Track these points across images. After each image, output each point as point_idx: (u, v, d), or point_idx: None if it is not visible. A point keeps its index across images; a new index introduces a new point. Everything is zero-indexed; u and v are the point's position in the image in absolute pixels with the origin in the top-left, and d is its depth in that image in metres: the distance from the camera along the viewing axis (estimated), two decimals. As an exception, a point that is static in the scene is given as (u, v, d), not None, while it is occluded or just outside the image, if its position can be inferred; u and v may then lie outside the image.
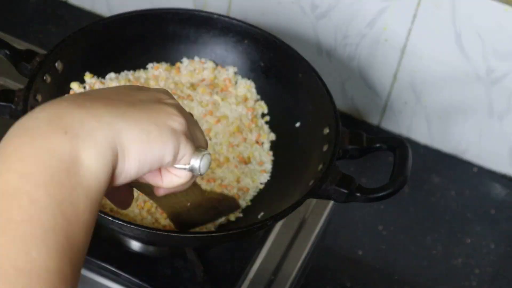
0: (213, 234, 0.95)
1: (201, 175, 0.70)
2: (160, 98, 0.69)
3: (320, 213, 1.13)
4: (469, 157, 1.41)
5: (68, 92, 1.07)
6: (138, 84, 1.09)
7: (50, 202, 0.59)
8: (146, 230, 0.91)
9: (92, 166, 0.61)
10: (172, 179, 0.70)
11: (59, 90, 1.05)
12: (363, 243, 1.30)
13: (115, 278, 1.02)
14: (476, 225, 1.34)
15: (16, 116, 0.99)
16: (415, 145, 1.43)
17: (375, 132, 1.43)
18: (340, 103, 1.43)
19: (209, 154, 0.70)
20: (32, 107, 0.99)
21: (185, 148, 0.68)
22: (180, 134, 0.67)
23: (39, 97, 1.01)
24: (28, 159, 0.59)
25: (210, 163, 0.70)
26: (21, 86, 1.01)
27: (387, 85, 1.39)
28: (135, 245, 1.03)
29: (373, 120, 1.44)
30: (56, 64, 1.05)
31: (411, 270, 1.28)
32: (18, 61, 1.04)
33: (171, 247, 1.05)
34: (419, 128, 1.42)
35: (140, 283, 1.01)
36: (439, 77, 1.34)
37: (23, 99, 0.99)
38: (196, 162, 0.69)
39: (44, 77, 1.03)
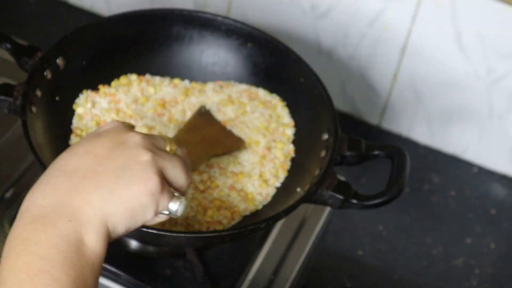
0: (212, 234, 0.95)
1: (177, 217, 0.80)
2: (138, 158, 0.78)
3: (320, 213, 1.13)
4: (469, 157, 1.41)
5: (67, 90, 1.07)
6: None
7: (68, 280, 0.71)
8: (146, 230, 0.91)
9: (93, 246, 0.74)
10: (152, 220, 0.80)
11: (59, 86, 1.05)
12: (363, 243, 1.30)
13: (115, 278, 1.02)
14: (476, 225, 1.34)
15: (14, 110, 0.99)
16: (415, 145, 1.43)
17: (375, 132, 1.43)
18: (340, 103, 1.43)
19: (185, 200, 0.80)
20: (32, 102, 0.99)
21: (163, 202, 0.78)
22: (158, 194, 0.77)
23: (38, 93, 1.01)
24: (44, 243, 0.72)
25: (186, 208, 0.80)
26: (21, 87, 1.00)
27: (387, 85, 1.38)
28: (135, 245, 1.03)
29: (373, 120, 1.44)
30: (57, 60, 1.05)
31: (411, 270, 1.28)
32: (19, 56, 1.04)
33: (171, 247, 1.05)
34: (419, 128, 1.42)
35: (140, 283, 1.01)
36: (439, 77, 1.34)
37: (23, 93, 0.98)
38: (174, 207, 0.79)
39: (45, 73, 1.03)
